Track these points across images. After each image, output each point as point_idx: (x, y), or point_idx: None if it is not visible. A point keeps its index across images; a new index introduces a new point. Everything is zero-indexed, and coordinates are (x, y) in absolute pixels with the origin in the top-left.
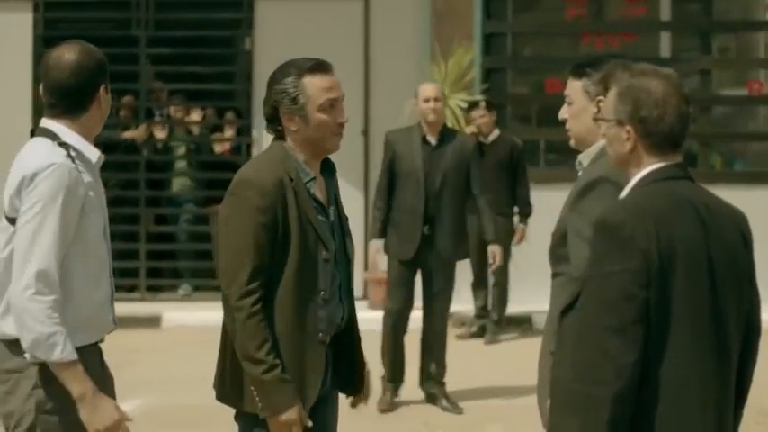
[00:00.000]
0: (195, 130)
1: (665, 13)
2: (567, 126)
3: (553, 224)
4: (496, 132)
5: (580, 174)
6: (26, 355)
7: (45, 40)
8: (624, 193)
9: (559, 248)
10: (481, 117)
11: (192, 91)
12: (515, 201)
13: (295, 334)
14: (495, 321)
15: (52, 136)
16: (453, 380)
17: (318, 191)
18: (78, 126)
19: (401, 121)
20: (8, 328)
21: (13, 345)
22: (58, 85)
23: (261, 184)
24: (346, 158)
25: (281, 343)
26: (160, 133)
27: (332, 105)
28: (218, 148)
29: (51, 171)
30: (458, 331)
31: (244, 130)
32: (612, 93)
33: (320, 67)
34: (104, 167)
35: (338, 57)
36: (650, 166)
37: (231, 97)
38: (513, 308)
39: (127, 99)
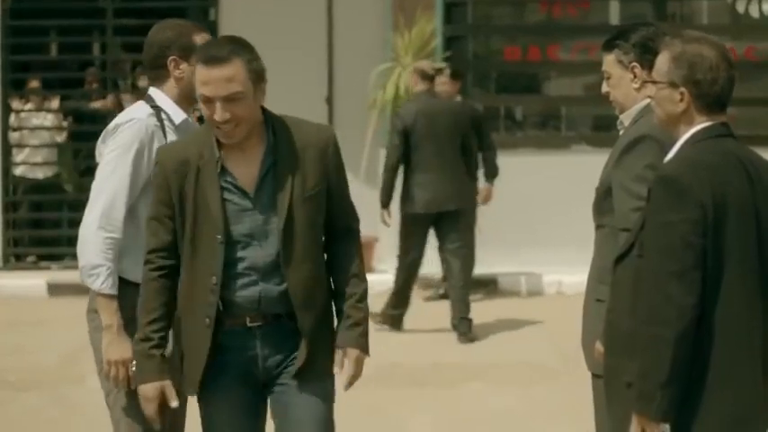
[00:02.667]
0: None
1: None
2: (611, 98)
3: (514, 188)
4: (457, 99)
5: (621, 132)
6: None
7: (13, 11)
8: (676, 148)
9: (603, 202)
10: (443, 84)
11: None
12: (477, 166)
13: (185, 316)
14: None
15: (149, 99)
16: (429, 340)
17: (240, 169)
18: (168, 91)
19: (366, 89)
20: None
21: None
22: (143, 56)
23: (161, 161)
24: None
25: (175, 323)
26: (127, 103)
27: (207, 100)
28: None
29: (131, 125)
30: (425, 293)
31: None
32: (664, 57)
33: (208, 58)
34: (73, 137)
35: (302, 26)
36: (701, 124)
37: None
38: (477, 270)
39: (92, 70)
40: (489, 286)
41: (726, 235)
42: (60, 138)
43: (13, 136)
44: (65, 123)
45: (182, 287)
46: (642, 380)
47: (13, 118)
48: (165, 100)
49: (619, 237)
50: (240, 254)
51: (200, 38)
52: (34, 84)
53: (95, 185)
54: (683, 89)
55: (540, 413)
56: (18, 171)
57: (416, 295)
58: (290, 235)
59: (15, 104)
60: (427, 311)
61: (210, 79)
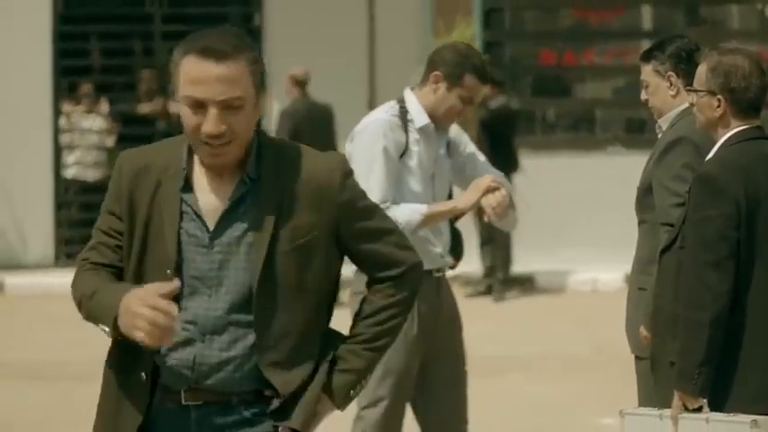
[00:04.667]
0: None
1: None
2: (649, 105)
3: (550, 188)
4: (500, 100)
5: (660, 135)
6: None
7: (63, 17)
8: (715, 149)
9: (645, 199)
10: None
11: None
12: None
13: (115, 369)
14: (501, 281)
15: (401, 99)
16: (470, 335)
17: (207, 194)
18: (418, 97)
19: None
20: None
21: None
22: None
23: (119, 164)
24: (352, 130)
25: (109, 369)
26: (175, 107)
27: (197, 105)
28: None
29: (375, 124)
30: (465, 290)
31: None
32: (703, 68)
33: (205, 49)
34: (122, 140)
35: (344, 32)
36: (736, 127)
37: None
38: (515, 268)
39: (144, 75)
40: (526, 284)
41: (757, 228)
42: (110, 141)
43: (64, 139)
44: (114, 126)
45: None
46: (682, 359)
47: (63, 121)
48: (414, 103)
49: (659, 231)
50: (183, 302)
51: (471, 79)
52: (85, 88)
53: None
54: (719, 96)
55: (579, 402)
56: (69, 173)
57: (457, 292)
58: (268, 296)
59: (66, 108)
60: (468, 307)
61: (206, 77)
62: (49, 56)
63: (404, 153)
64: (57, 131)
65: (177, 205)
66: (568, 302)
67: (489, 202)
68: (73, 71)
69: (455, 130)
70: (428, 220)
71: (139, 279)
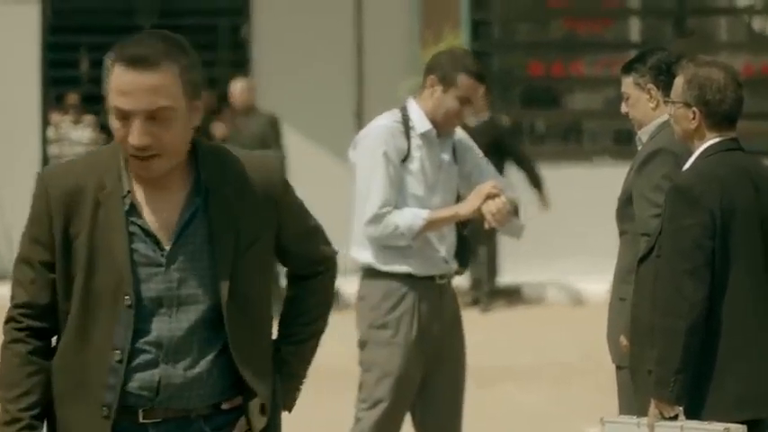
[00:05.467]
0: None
1: (636, 1)
2: (630, 116)
3: (537, 199)
4: (486, 113)
5: (640, 147)
6: None
7: (52, 28)
8: (690, 161)
9: (625, 209)
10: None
11: None
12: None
13: (67, 402)
14: (487, 292)
15: (404, 107)
16: None
17: (155, 211)
18: (419, 103)
19: (395, 103)
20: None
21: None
22: None
23: (43, 186)
24: (339, 140)
25: (57, 408)
26: None
27: (124, 116)
28: (218, 132)
29: (377, 130)
30: None
31: None
32: (680, 80)
33: (130, 58)
34: None
35: (332, 42)
36: (712, 139)
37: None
38: (501, 279)
39: None
40: (513, 295)
41: (733, 237)
42: None
43: (53, 149)
44: (101, 137)
45: (62, 362)
46: (659, 367)
47: (52, 131)
48: (415, 109)
49: (640, 241)
50: (142, 325)
51: (465, 78)
52: (72, 98)
53: (360, 189)
54: (694, 108)
55: (568, 411)
56: None
57: None
58: (238, 309)
59: (55, 118)
60: None
61: (131, 87)
62: (38, 66)
63: (406, 158)
64: (45, 142)
65: (123, 226)
66: (556, 313)
67: (489, 208)
68: (62, 82)
69: (462, 137)
70: (430, 225)
71: (87, 308)
